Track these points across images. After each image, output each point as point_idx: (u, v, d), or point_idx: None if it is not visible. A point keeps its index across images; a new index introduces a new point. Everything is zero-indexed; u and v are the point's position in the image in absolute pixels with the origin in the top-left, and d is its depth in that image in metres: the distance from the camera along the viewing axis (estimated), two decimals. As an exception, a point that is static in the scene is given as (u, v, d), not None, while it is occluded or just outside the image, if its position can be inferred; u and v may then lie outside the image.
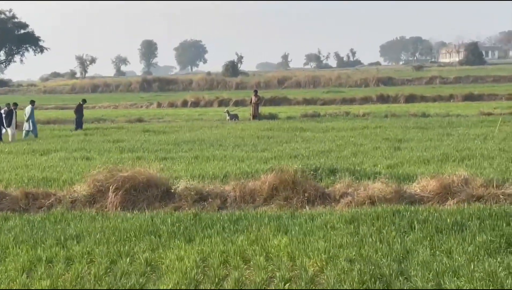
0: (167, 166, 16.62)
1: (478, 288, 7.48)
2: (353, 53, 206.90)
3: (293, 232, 10.11)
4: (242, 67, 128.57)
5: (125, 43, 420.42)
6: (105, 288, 8.07)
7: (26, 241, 10.22)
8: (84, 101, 35.33)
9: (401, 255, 8.71)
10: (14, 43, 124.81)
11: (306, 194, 12.56)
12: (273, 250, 9.24)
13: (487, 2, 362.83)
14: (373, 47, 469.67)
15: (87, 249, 9.63)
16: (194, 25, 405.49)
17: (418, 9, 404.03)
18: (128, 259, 9.04)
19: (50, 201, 13.14)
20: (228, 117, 36.54)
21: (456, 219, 10.30)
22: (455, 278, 7.73)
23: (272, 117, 37.14)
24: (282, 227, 10.49)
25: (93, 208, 12.69)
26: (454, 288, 7.51)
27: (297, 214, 11.53)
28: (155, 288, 8.04)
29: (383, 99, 52.41)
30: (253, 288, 7.94)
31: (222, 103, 54.37)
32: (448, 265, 8.16)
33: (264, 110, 40.56)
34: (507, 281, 7.56)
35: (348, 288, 7.66)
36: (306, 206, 12.27)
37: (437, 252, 8.80)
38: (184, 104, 56.18)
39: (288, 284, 7.93)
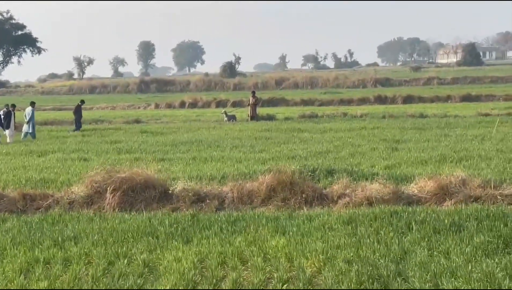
0: (164, 167, 16.62)
1: (476, 289, 7.49)
2: (351, 54, 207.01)
3: (291, 233, 10.12)
4: (240, 68, 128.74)
5: (123, 44, 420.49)
6: (103, 289, 8.07)
7: (23, 242, 10.21)
8: (83, 102, 35.33)
9: (399, 256, 8.72)
10: (11, 44, 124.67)
11: (304, 195, 12.57)
12: (271, 251, 9.24)
13: (485, 2, 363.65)
14: (371, 48, 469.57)
15: (85, 250, 9.62)
16: (191, 26, 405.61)
17: (416, 10, 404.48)
18: (126, 260, 9.04)
19: (47, 202, 13.12)
20: (225, 118, 36.53)
21: (453, 219, 10.31)
22: (452, 279, 7.74)
23: (270, 118, 37.13)
24: (280, 228, 10.49)
25: (90, 209, 12.68)
26: (452, 289, 7.52)
27: (295, 215, 11.54)
28: (153, 289, 8.04)
29: (380, 100, 52.42)
30: (251, 289, 7.94)
31: (220, 104, 54.37)
32: (445, 265, 8.17)
33: (261, 111, 40.56)
34: (505, 282, 7.57)
35: (346, 289, 7.66)
36: (304, 207, 12.28)
37: (435, 253, 8.81)
38: (182, 105, 56.16)
39: (286, 285, 7.94)
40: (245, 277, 8.30)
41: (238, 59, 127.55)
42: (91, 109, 54.81)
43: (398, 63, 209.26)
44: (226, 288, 8.01)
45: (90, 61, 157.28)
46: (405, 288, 7.67)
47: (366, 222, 10.48)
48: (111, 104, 61.36)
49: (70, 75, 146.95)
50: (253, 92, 40.09)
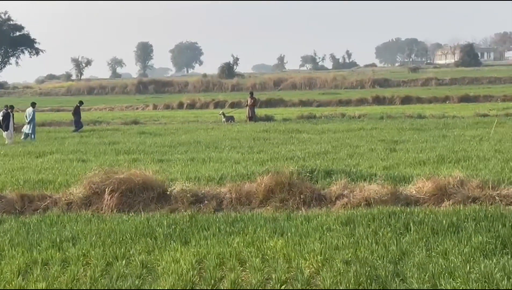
0: (163, 168, 16.61)
1: (474, 289, 7.50)
2: (349, 55, 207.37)
3: (289, 234, 10.11)
4: (238, 69, 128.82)
5: (121, 45, 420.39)
6: (102, 289, 8.08)
7: (21, 244, 10.20)
8: (81, 103, 35.40)
9: (397, 257, 8.72)
10: (9, 45, 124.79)
11: (302, 196, 12.56)
12: (269, 251, 9.24)
13: (482, 3, 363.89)
14: (369, 49, 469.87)
15: (83, 251, 9.62)
16: (190, 27, 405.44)
17: (414, 10, 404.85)
18: (124, 261, 9.04)
19: (45, 203, 13.12)
20: (223, 119, 36.54)
21: (451, 220, 10.31)
22: (451, 280, 7.74)
23: (268, 119, 37.16)
24: (278, 229, 10.49)
25: (89, 210, 12.67)
26: (450, 289, 7.52)
27: (293, 216, 11.53)
28: (151, 289, 8.06)
29: (378, 100, 52.46)
30: (249, 289, 7.94)
31: (218, 105, 54.43)
32: (444, 266, 8.17)
33: (260, 112, 40.57)
34: (503, 282, 7.58)
35: (344, 289, 7.68)
36: (302, 208, 12.27)
37: (433, 254, 8.81)
38: (180, 106, 56.19)
39: (284, 286, 7.94)
40: (243, 278, 8.30)
41: (236, 60, 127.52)
42: (89, 110, 54.79)
43: (396, 64, 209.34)
44: (225, 289, 8.01)
45: (88, 62, 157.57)
46: (404, 289, 7.67)
47: (364, 223, 10.48)
48: (109, 105, 61.36)
49: (68, 76, 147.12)
50: (251, 93, 40.10)
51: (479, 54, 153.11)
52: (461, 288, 7.52)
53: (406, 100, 51.49)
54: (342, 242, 9.47)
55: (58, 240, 10.28)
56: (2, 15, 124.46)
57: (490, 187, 12.25)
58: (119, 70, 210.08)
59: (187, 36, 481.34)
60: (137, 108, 57.84)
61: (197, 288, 8.08)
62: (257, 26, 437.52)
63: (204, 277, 8.36)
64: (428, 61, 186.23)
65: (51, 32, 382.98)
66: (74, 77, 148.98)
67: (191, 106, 55.93)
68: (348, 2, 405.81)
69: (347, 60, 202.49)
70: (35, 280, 8.42)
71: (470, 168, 15.37)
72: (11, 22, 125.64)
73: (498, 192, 12.14)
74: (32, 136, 29.22)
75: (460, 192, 12.15)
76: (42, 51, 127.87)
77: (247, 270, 8.53)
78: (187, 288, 8.02)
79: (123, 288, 8.07)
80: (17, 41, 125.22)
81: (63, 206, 12.92)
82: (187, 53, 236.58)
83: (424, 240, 9.47)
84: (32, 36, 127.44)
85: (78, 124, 32.98)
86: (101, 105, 61.97)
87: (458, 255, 8.59)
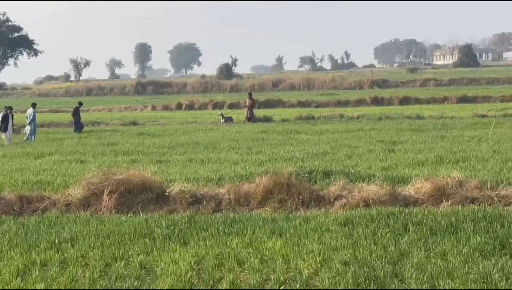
0: (161, 169, 16.62)
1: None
2: (347, 56, 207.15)
3: (287, 235, 10.12)
4: (237, 69, 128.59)
5: (119, 46, 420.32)
6: (101, 289, 8.09)
7: (20, 245, 10.20)
8: (81, 104, 35.41)
9: (396, 257, 8.73)
10: (8, 46, 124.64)
11: (300, 197, 12.57)
12: (267, 252, 9.24)
13: (480, 4, 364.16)
14: (367, 50, 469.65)
15: (82, 252, 9.62)
16: (188, 27, 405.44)
17: (412, 11, 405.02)
18: (122, 262, 9.04)
19: (44, 204, 13.12)
20: (222, 120, 36.54)
21: (450, 221, 10.32)
22: (449, 280, 7.75)
23: (267, 119, 37.17)
24: (277, 230, 10.50)
25: (87, 211, 12.67)
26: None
27: (292, 217, 11.53)
28: (150, 289, 8.06)
29: (377, 101, 52.50)
30: (248, 289, 7.96)
31: (217, 106, 54.46)
32: (442, 267, 8.18)
33: (258, 112, 40.58)
34: (501, 283, 7.59)
35: (342, 290, 7.68)
36: (301, 209, 12.28)
37: (432, 254, 8.81)
38: (179, 107, 56.19)
39: (283, 287, 7.94)
40: (242, 278, 8.30)
41: (234, 60, 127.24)
42: (88, 111, 54.76)
43: (395, 65, 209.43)
44: (223, 289, 8.01)
45: (87, 63, 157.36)
46: (402, 289, 7.68)
47: (363, 224, 10.49)
48: (108, 106, 61.39)
49: (66, 77, 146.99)
50: (250, 94, 40.12)
51: (478, 55, 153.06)
52: (459, 289, 7.53)
53: (404, 101, 51.55)
54: (341, 242, 9.48)
55: (56, 241, 10.28)
56: (1, 16, 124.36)
57: (489, 188, 12.27)
58: (117, 71, 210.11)
59: (185, 37, 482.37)
60: (135, 109, 57.84)
61: (196, 289, 8.08)
62: (255, 27, 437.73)
63: (202, 277, 8.36)
64: (427, 62, 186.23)
65: (49, 33, 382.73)
66: (72, 78, 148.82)
67: (190, 107, 55.95)
68: (347, 3, 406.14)
69: (345, 61, 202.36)
70: (34, 281, 8.42)
71: (468, 168, 15.39)
72: (10, 23, 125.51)
73: (496, 192, 12.15)
74: (32, 137, 29.22)
75: (458, 192, 12.16)
76: (40, 52, 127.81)
77: (246, 271, 8.54)
78: (186, 289, 8.02)
79: (122, 289, 8.07)
80: (16, 42, 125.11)
81: (61, 207, 12.92)
82: (186, 54, 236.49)
83: (422, 240, 9.48)
84: (31, 37, 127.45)
85: (78, 125, 32.99)
86: (99, 106, 61.98)
87: (456, 256, 8.60)
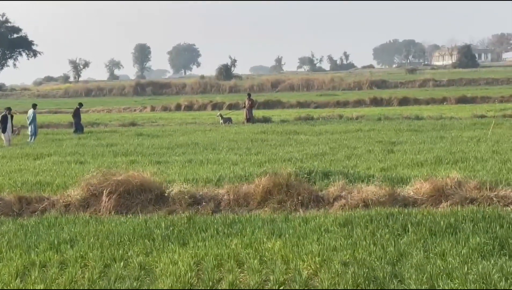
0: (160, 170, 16.62)
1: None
2: (347, 56, 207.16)
3: (287, 235, 10.12)
4: (236, 70, 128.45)
5: (119, 47, 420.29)
6: (100, 289, 8.09)
7: (19, 246, 10.20)
8: (81, 105, 35.41)
9: (395, 258, 8.73)
10: (7, 47, 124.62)
11: (300, 197, 12.57)
12: (267, 253, 9.24)
13: (480, 4, 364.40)
14: (366, 50, 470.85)
15: (81, 253, 9.62)
16: (187, 28, 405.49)
17: (411, 12, 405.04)
18: (122, 263, 9.04)
19: (43, 205, 13.11)
20: (221, 121, 36.55)
21: (449, 221, 10.32)
22: (448, 281, 7.75)
23: (266, 120, 37.18)
24: (276, 230, 10.50)
25: (86, 212, 12.68)
26: None
27: (291, 217, 11.53)
28: (149, 289, 8.06)
29: (376, 102, 52.54)
30: (248, 289, 7.96)
31: (216, 106, 54.49)
32: (441, 267, 8.18)
33: (257, 113, 40.61)
34: (501, 283, 7.59)
35: (342, 291, 7.68)
36: (300, 209, 12.28)
37: (431, 255, 8.82)
38: (178, 107, 56.21)
39: (282, 287, 7.94)
40: (241, 279, 8.30)
41: (234, 61, 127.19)
42: (87, 112, 54.74)
43: (394, 65, 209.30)
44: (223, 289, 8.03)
45: (86, 64, 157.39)
46: (402, 289, 7.70)
47: (362, 224, 10.49)
48: (107, 107, 61.39)
49: (66, 78, 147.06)
50: (249, 95, 40.15)
51: (477, 56, 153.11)
52: (459, 289, 7.53)
53: (403, 102, 51.60)
54: (340, 243, 9.48)
55: (56, 242, 10.28)
56: (0, 17, 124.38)
57: (488, 188, 12.27)
58: (116, 72, 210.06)
59: (184, 37, 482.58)
60: (134, 110, 57.83)
61: (196, 289, 8.08)
62: (254, 27, 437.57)
63: (202, 278, 8.36)
64: (426, 63, 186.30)
65: (48, 33, 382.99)
66: (71, 79, 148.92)
67: (189, 107, 55.97)
68: (346, 4, 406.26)
69: (344, 62, 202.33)
70: (33, 282, 8.42)
71: (467, 169, 15.40)
72: (9, 24, 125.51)
73: (495, 193, 12.15)
74: (32, 138, 29.21)
75: (457, 193, 12.16)
76: (39, 53, 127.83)
77: (245, 272, 8.53)
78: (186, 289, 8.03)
79: (122, 289, 8.07)
80: (15, 43, 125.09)
81: (61, 208, 12.92)
82: (185, 55, 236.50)
83: (422, 241, 9.48)
84: (30, 38, 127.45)
85: (78, 126, 32.99)
86: (98, 107, 61.97)
87: (456, 256, 8.60)
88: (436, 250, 9.00)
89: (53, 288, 8.24)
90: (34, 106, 31.19)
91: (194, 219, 11.59)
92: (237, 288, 8.05)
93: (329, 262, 8.60)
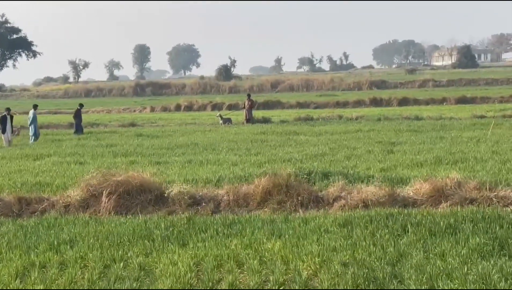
0: (160, 170, 16.61)
1: (472, 291, 7.52)
2: (346, 57, 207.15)
3: (286, 236, 10.12)
4: (235, 71, 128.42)
5: (118, 47, 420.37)
6: (100, 289, 8.09)
7: (19, 246, 10.20)
8: (82, 105, 35.38)
9: (395, 258, 8.73)
10: (6, 48, 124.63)
11: (299, 198, 12.57)
12: (267, 253, 9.24)
13: (479, 4, 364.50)
14: (366, 51, 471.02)
15: (81, 253, 9.62)
16: (187, 29, 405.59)
17: (411, 12, 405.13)
18: (121, 264, 9.04)
19: (43, 206, 13.12)
20: (221, 121, 36.54)
21: (449, 222, 10.32)
22: (448, 281, 7.75)
23: (266, 121, 37.19)
24: (276, 231, 10.50)
25: (86, 212, 12.67)
26: (448, 291, 7.54)
27: (291, 218, 11.54)
28: (149, 289, 8.06)
29: (376, 102, 52.54)
30: (248, 289, 7.96)
31: (216, 107, 54.48)
32: (441, 268, 8.18)
33: (257, 114, 40.61)
34: (500, 284, 7.59)
35: (342, 291, 7.68)
36: (300, 210, 12.28)
37: (431, 255, 8.82)
38: (177, 108, 56.22)
39: (282, 288, 7.94)
40: (241, 280, 8.30)
41: (233, 62, 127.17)
42: (87, 113, 54.71)
43: (393, 66, 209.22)
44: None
45: (86, 65, 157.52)
46: (401, 289, 7.70)
47: (362, 225, 10.49)
48: (107, 108, 61.39)
49: (65, 79, 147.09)
50: (249, 95, 40.14)
51: (476, 56, 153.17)
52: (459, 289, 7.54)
53: (403, 102, 51.59)
54: (340, 244, 9.48)
55: (55, 243, 10.28)
56: (0, 18, 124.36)
57: (488, 189, 12.27)
58: (116, 72, 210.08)
59: (184, 38, 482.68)
60: (134, 111, 57.84)
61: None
62: (254, 28, 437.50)
63: (202, 279, 8.36)
64: (425, 63, 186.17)
65: (48, 34, 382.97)
66: (71, 79, 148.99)
67: (189, 108, 55.98)
68: (346, 4, 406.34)
69: (344, 62, 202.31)
70: (33, 283, 8.42)
71: (467, 169, 15.40)
72: (8, 25, 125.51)
73: (495, 193, 12.15)
74: (32, 139, 29.21)
75: (457, 193, 12.16)
76: (39, 54, 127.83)
77: (245, 272, 8.54)
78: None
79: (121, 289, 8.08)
80: (15, 44, 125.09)
81: (60, 208, 12.92)
82: (185, 55, 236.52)
83: (421, 241, 9.48)
84: (29, 39, 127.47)
85: (79, 127, 32.98)
86: (98, 107, 61.96)
87: (455, 257, 8.60)
88: (436, 250, 9.00)
89: (52, 288, 8.24)
90: (35, 106, 31.21)
91: (193, 220, 11.59)
92: (237, 288, 8.05)
93: (329, 263, 8.60)
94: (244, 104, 38.83)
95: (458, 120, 32.36)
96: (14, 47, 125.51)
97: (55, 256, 9.57)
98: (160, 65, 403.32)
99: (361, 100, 53.91)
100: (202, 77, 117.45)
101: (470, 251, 8.83)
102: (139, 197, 12.95)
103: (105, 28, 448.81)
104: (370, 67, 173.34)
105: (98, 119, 45.01)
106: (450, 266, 8.21)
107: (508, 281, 7.68)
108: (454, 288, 7.57)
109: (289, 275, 8.33)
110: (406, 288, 7.71)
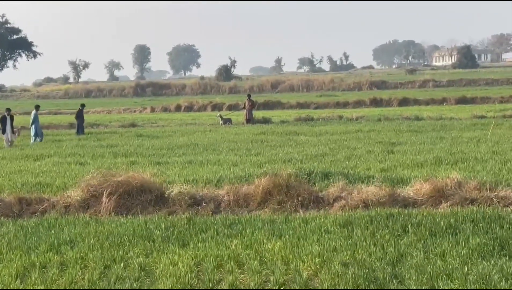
0: (160, 170, 16.61)
1: (472, 291, 7.51)
2: (346, 57, 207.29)
3: (287, 236, 10.11)
4: (236, 71, 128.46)
5: (118, 48, 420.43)
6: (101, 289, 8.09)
7: (19, 247, 10.20)
8: (83, 106, 35.37)
9: (395, 259, 8.73)
10: (6, 48, 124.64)
11: (299, 198, 12.57)
12: (267, 254, 9.24)
13: (479, 4, 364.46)
14: (366, 51, 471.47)
15: (81, 254, 9.61)
16: (187, 29, 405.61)
17: (411, 12, 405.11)
18: (122, 264, 9.03)
19: (43, 206, 13.11)
20: (221, 122, 36.55)
21: (449, 222, 10.32)
22: (449, 281, 7.75)
23: (266, 121, 37.18)
24: (276, 231, 10.50)
25: (86, 213, 12.67)
26: (448, 291, 7.54)
27: (291, 218, 11.53)
28: (150, 289, 8.06)
29: (376, 102, 52.52)
30: (248, 289, 7.96)
31: (216, 107, 54.47)
32: (441, 268, 8.18)
33: (257, 114, 40.60)
34: (501, 284, 7.59)
35: (342, 292, 7.68)
36: (300, 210, 12.28)
37: (431, 255, 8.82)
38: (178, 108, 56.21)
39: (282, 288, 7.94)
40: (241, 280, 8.30)
41: (233, 62, 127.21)
42: (87, 113, 54.58)
43: (394, 66, 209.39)
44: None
45: (86, 65, 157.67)
46: (401, 289, 7.69)
47: (362, 225, 10.49)
48: (107, 108, 61.38)
49: (65, 79, 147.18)
50: (249, 96, 40.15)
51: (476, 56, 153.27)
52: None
53: (403, 102, 51.57)
54: (340, 244, 9.48)
55: (56, 243, 10.28)
56: (0, 18, 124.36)
57: (488, 189, 12.27)
58: (116, 72, 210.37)
59: (184, 38, 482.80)
60: (134, 111, 57.84)
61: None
62: (254, 28, 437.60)
63: (202, 279, 8.36)
64: (425, 63, 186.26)
65: (48, 34, 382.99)
66: (71, 80, 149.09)
67: (189, 108, 55.99)
68: (346, 4, 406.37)
69: (344, 62, 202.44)
70: (33, 283, 8.42)
71: (467, 169, 15.40)
72: (9, 25, 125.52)
73: (495, 193, 12.15)
74: (32, 139, 29.22)
75: (457, 193, 12.16)
76: (39, 54, 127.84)
77: (245, 273, 8.54)
78: (185, 291, 8.03)
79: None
80: (15, 44, 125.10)
81: (61, 209, 12.91)
82: (185, 56, 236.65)
83: (422, 242, 9.48)
84: (30, 39, 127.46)
85: (80, 127, 32.97)
86: (98, 108, 61.94)
87: (456, 257, 8.60)
88: (436, 250, 9.00)
89: (53, 289, 8.24)
90: (37, 107, 31.24)
91: (194, 220, 11.59)
92: (237, 289, 8.05)
93: (329, 263, 8.60)
94: (244, 105, 38.83)
95: (458, 120, 32.36)
96: (14, 47, 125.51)
97: (56, 256, 9.57)
98: (160, 65, 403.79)
99: (361, 100, 53.89)
100: (202, 78, 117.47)
101: (471, 251, 8.83)
102: (140, 197, 12.94)
103: (105, 29, 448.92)
104: (370, 67, 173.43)
105: (98, 119, 45.01)
106: (450, 266, 8.21)
107: (509, 281, 7.68)
108: (455, 289, 7.57)
109: (290, 276, 8.33)
110: (406, 288, 7.71)
